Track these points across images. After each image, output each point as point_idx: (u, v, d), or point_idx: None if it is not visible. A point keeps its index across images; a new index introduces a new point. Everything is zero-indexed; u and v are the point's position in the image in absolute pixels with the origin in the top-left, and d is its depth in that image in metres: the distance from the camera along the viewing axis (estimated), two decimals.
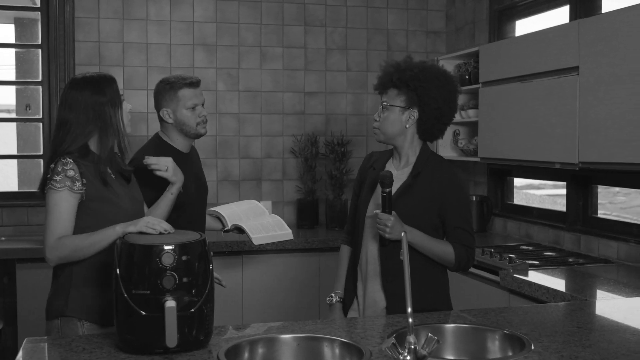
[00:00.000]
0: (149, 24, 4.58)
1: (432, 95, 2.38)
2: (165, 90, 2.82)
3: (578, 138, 3.15)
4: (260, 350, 1.90)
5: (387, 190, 2.28)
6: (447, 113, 2.44)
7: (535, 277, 3.05)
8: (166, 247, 1.79)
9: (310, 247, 4.22)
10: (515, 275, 3.07)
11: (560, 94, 3.28)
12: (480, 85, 4.00)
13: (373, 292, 2.43)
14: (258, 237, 2.90)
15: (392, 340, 1.59)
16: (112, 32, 4.51)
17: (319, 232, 4.56)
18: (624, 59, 2.90)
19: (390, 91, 2.45)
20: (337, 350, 1.89)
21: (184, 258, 1.80)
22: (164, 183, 2.51)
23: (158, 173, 2.47)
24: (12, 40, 4.60)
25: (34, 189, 3.54)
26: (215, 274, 2.85)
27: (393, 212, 2.28)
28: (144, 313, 1.77)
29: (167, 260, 1.78)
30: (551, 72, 3.36)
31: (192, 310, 1.80)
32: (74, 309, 2.19)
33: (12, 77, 4.59)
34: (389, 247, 2.32)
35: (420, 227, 2.35)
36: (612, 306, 2.47)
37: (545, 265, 3.29)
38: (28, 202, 4.34)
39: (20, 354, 1.83)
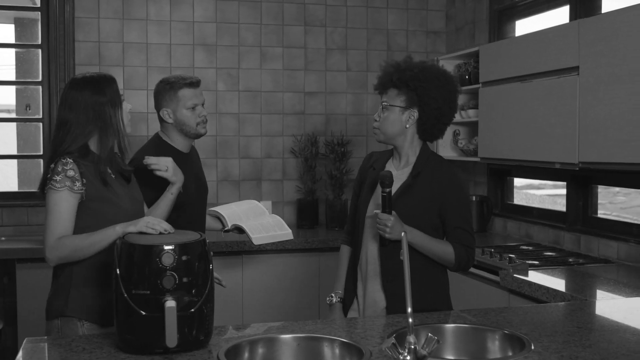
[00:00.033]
0: (149, 24, 4.58)
1: (432, 95, 2.38)
2: (166, 90, 2.82)
3: (578, 138, 3.16)
4: (260, 350, 1.90)
5: (387, 190, 2.28)
6: (447, 113, 2.44)
7: (535, 277, 3.05)
8: (166, 247, 1.79)
9: (310, 247, 4.22)
10: (515, 275, 3.07)
11: (560, 94, 3.28)
12: (480, 85, 4.00)
13: (373, 292, 2.43)
14: (258, 237, 2.90)
15: (392, 340, 1.59)
16: (112, 32, 4.51)
17: (319, 232, 4.56)
18: (623, 59, 2.90)
19: (390, 91, 2.45)
20: (337, 350, 1.90)
21: (184, 258, 1.80)
22: (164, 183, 2.50)
23: (158, 173, 2.47)
24: (12, 40, 4.60)
25: (34, 189, 3.55)
26: (215, 274, 2.85)
27: (393, 212, 2.28)
28: (144, 313, 1.77)
29: (167, 260, 1.78)
30: (551, 72, 3.36)
31: (192, 310, 1.80)
32: (74, 309, 2.19)
33: (12, 77, 4.59)
34: (389, 247, 2.32)
35: (420, 227, 2.35)
36: (612, 306, 2.47)
37: (545, 265, 3.29)
38: (28, 202, 4.34)
39: (20, 354, 1.83)
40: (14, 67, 4.58)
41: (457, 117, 4.10)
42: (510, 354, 1.94)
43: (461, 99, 4.22)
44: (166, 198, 2.49)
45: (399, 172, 2.46)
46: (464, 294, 3.41)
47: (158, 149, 2.81)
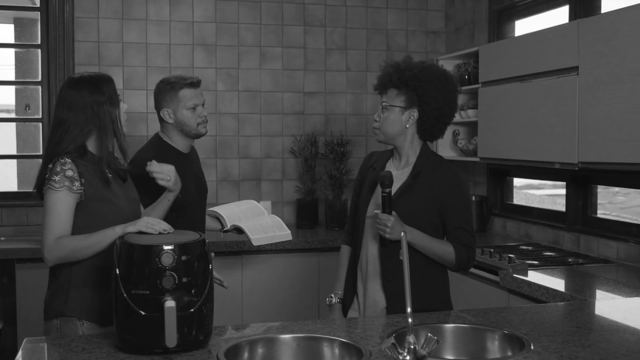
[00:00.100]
0: (149, 24, 4.58)
1: (432, 95, 2.38)
2: (166, 91, 2.82)
3: (577, 138, 3.16)
4: (259, 350, 1.90)
5: (387, 190, 2.28)
6: (447, 113, 2.44)
7: (535, 277, 3.05)
8: (166, 247, 1.79)
9: (310, 247, 4.22)
10: (514, 275, 3.07)
11: (559, 94, 3.28)
12: (479, 85, 4.00)
13: (373, 292, 2.43)
14: (257, 237, 2.91)
15: (392, 340, 1.59)
16: (112, 32, 4.51)
17: (319, 232, 4.56)
18: (623, 59, 2.90)
19: (390, 91, 2.45)
20: (336, 350, 1.90)
21: (183, 258, 1.80)
22: (162, 189, 2.48)
23: (161, 182, 2.41)
24: (12, 40, 4.60)
25: None
26: (216, 275, 2.85)
27: (393, 212, 2.28)
28: (143, 313, 1.77)
29: (167, 260, 1.78)
30: (551, 72, 3.36)
31: (192, 310, 1.80)
32: (73, 308, 2.19)
33: (12, 77, 4.59)
34: (389, 247, 2.32)
35: (421, 227, 2.35)
36: (611, 306, 2.47)
37: (545, 265, 3.29)
38: (27, 202, 4.34)
39: (19, 354, 1.83)
40: (13, 67, 4.58)
41: (457, 117, 4.10)
42: (509, 354, 1.94)
43: (461, 99, 4.22)
44: (163, 204, 2.46)
45: (399, 172, 2.46)
46: (464, 294, 3.41)
47: (158, 149, 2.81)
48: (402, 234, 1.81)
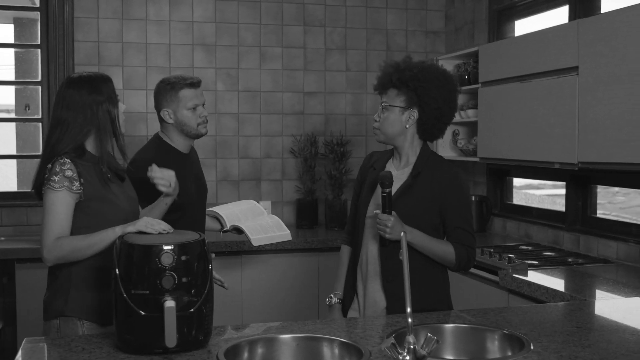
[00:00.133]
0: (149, 24, 4.58)
1: (432, 95, 2.38)
2: (166, 91, 2.81)
3: (577, 138, 3.16)
4: (259, 350, 1.90)
5: (387, 190, 2.28)
6: (447, 113, 2.44)
7: (535, 277, 3.05)
8: (165, 247, 1.79)
9: (310, 247, 4.22)
10: (514, 275, 3.07)
11: (559, 94, 3.28)
12: (479, 85, 4.00)
13: (373, 292, 2.43)
14: (257, 238, 2.91)
15: (392, 340, 1.59)
16: (112, 32, 4.51)
17: (318, 232, 4.56)
18: (623, 59, 2.90)
19: (390, 91, 2.45)
20: (336, 350, 1.90)
21: (183, 258, 1.80)
22: (159, 193, 2.45)
23: (162, 188, 2.38)
24: (12, 40, 4.60)
25: None
26: (217, 276, 2.85)
27: (393, 213, 2.28)
28: (143, 313, 1.77)
29: (167, 260, 1.78)
30: (550, 72, 3.36)
31: (192, 310, 1.80)
32: (73, 308, 2.19)
33: (12, 77, 4.59)
34: (389, 247, 2.32)
35: (421, 227, 2.35)
36: (611, 306, 2.47)
37: (545, 265, 3.29)
38: (27, 202, 4.34)
39: (19, 354, 1.83)
40: (13, 67, 4.58)
41: (457, 117, 4.11)
42: (509, 354, 1.94)
43: (460, 99, 4.22)
44: (160, 207, 2.44)
45: (399, 172, 2.46)
46: (463, 294, 3.41)
47: (158, 149, 2.80)
48: (402, 234, 1.81)
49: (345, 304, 2.54)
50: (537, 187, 5.43)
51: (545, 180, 4.49)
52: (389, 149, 2.56)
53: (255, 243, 2.91)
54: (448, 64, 4.44)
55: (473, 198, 4.39)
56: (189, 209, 2.76)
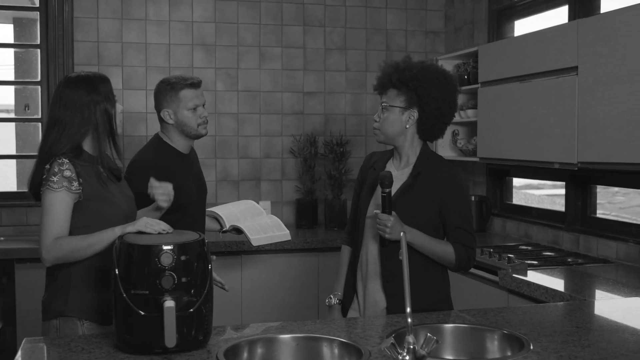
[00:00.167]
0: (148, 24, 4.58)
1: (431, 95, 2.38)
2: (166, 91, 2.81)
3: (577, 138, 3.16)
4: (259, 350, 1.90)
5: (387, 190, 2.28)
6: (447, 113, 2.44)
7: (534, 277, 3.05)
8: (165, 247, 1.79)
9: (310, 247, 4.22)
10: (514, 275, 3.07)
11: (559, 94, 3.28)
12: (479, 85, 4.00)
13: (373, 293, 2.43)
14: (256, 238, 2.91)
15: (391, 340, 1.59)
16: (111, 32, 4.51)
17: (318, 232, 4.56)
18: (622, 59, 2.90)
19: (389, 92, 2.45)
20: (336, 350, 1.89)
21: (182, 258, 1.80)
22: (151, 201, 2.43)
23: (163, 204, 2.35)
24: (11, 40, 4.60)
25: None
26: (217, 278, 2.84)
27: (393, 213, 2.28)
28: (142, 313, 1.77)
29: (166, 260, 1.78)
30: (550, 72, 3.36)
31: (191, 310, 1.80)
32: (73, 308, 2.19)
33: (11, 77, 4.59)
34: (389, 248, 2.32)
35: (421, 227, 2.35)
36: (610, 306, 2.47)
37: (544, 265, 3.29)
38: (27, 202, 4.34)
39: (19, 354, 1.83)
40: (12, 67, 4.58)
41: (456, 117, 4.10)
42: (509, 354, 1.94)
43: (460, 99, 4.21)
44: (154, 214, 2.41)
45: (399, 173, 2.46)
46: (463, 294, 3.41)
47: (159, 150, 2.80)
48: (402, 234, 1.81)
49: (345, 304, 2.54)
50: (537, 187, 5.43)
51: (544, 180, 4.49)
52: (389, 149, 2.56)
53: (254, 243, 2.91)
54: (448, 64, 4.44)
55: (473, 198, 4.39)
56: (189, 209, 2.76)
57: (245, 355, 1.87)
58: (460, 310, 2.37)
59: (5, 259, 3.89)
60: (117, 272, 1.80)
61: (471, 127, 4.43)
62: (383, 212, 2.29)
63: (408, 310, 1.61)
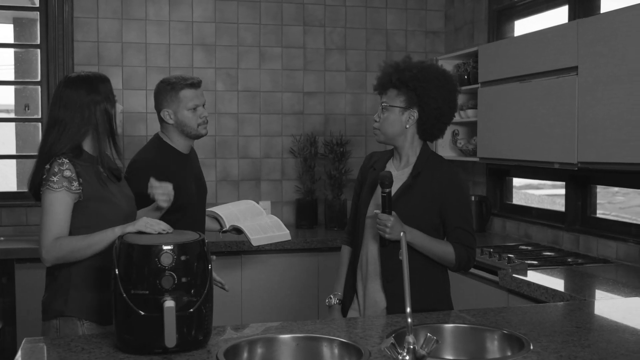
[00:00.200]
0: (148, 24, 4.58)
1: (431, 95, 2.38)
2: (167, 91, 2.80)
3: (577, 138, 3.16)
4: (259, 350, 1.90)
5: (387, 190, 2.28)
6: (447, 113, 2.44)
7: (534, 277, 3.05)
8: (165, 247, 1.79)
9: (309, 247, 4.22)
10: (514, 275, 3.07)
11: (559, 94, 3.28)
12: (479, 85, 4.00)
13: (373, 293, 2.43)
14: (256, 238, 2.91)
15: (391, 340, 1.59)
16: (111, 32, 4.51)
17: (318, 232, 4.56)
18: (622, 59, 2.90)
19: (389, 92, 2.45)
20: (336, 350, 1.89)
21: (182, 258, 1.80)
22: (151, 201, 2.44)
23: (163, 204, 2.35)
24: (11, 40, 4.60)
25: None
26: (217, 278, 2.84)
27: (393, 213, 2.28)
28: (142, 313, 1.77)
29: (166, 260, 1.78)
30: (550, 72, 3.36)
31: (191, 310, 1.80)
32: (73, 308, 2.18)
33: (11, 77, 4.59)
34: (389, 248, 2.32)
35: (421, 227, 2.35)
36: (610, 306, 2.47)
37: (544, 265, 3.29)
38: (27, 202, 4.34)
39: (19, 354, 1.83)
40: (12, 67, 4.58)
41: (456, 117, 4.10)
42: (509, 354, 1.94)
43: (460, 99, 4.21)
44: (154, 214, 2.41)
45: (399, 173, 2.46)
46: (463, 294, 3.41)
47: (159, 150, 2.80)
48: (402, 234, 1.81)
49: (346, 304, 2.54)
50: (537, 187, 5.43)
51: (544, 180, 4.49)
52: (389, 149, 2.56)
53: (254, 243, 2.91)
54: (448, 64, 4.44)
55: (473, 198, 4.39)
56: (189, 209, 2.76)
57: (245, 355, 1.87)
58: (460, 310, 2.37)
59: (5, 259, 3.89)
60: (117, 272, 1.80)
61: (471, 127, 4.43)
62: (383, 212, 2.29)
63: (408, 310, 1.61)
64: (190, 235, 1.92)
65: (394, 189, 2.35)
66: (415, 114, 2.42)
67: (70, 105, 2.21)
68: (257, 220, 3.01)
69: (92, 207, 2.18)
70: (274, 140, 4.82)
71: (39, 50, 4.43)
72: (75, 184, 2.15)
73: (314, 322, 2.13)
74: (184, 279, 1.79)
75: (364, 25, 4.97)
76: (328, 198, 4.70)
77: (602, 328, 2.15)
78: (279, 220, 3.07)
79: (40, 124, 4.46)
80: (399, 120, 2.42)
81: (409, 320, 1.60)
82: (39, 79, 4.44)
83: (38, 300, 2.32)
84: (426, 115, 2.41)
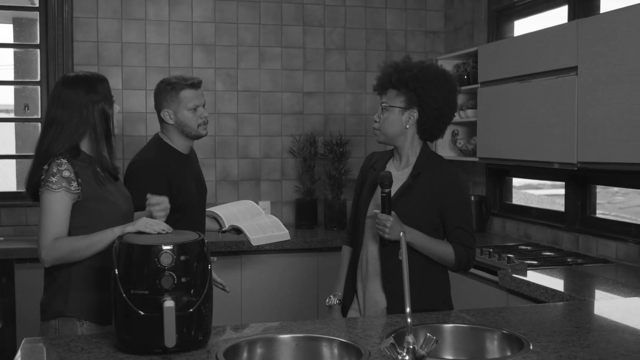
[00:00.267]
0: (148, 24, 4.58)
1: (431, 95, 2.38)
2: (167, 91, 2.80)
3: (577, 138, 3.16)
4: (259, 351, 1.90)
5: (387, 190, 2.28)
6: (447, 113, 2.44)
7: (534, 277, 3.05)
8: (165, 247, 1.79)
9: (309, 247, 4.22)
10: (513, 275, 3.07)
11: (558, 94, 3.28)
12: (478, 85, 4.00)
13: (373, 293, 2.43)
14: (256, 237, 2.91)
15: (391, 340, 1.59)
16: (111, 32, 4.51)
17: (318, 232, 4.56)
18: (622, 59, 2.90)
19: (389, 92, 2.45)
20: (335, 350, 1.89)
21: (182, 258, 1.80)
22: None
23: (156, 213, 2.30)
24: (11, 40, 4.60)
25: None
26: (218, 279, 2.84)
27: (392, 213, 2.28)
28: (142, 313, 1.77)
29: (166, 260, 1.78)
30: (550, 72, 3.36)
31: (191, 310, 1.80)
32: (73, 309, 2.18)
33: (11, 77, 4.59)
34: (389, 248, 2.32)
35: (421, 227, 2.35)
36: (610, 306, 2.47)
37: (544, 265, 3.29)
38: (27, 202, 4.32)
39: (18, 354, 1.83)
40: (12, 67, 4.58)
41: (456, 117, 4.08)
42: (508, 354, 1.94)
43: (460, 99, 4.21)
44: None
45: (399, 173, 2.46)
46: (463, 294, 3.41)
47: (159, 150, 2.80)
48: (402, 234, 1.81)
49: (346, 304, 2.54)
50: (537, 187, 5.42)
51: (544, 180, 4.49)
52: (389, 149, 2.56)
53: (254, 243, 2.91)
54: (447, 64, 4.44)
55: (472, 198, 4.38)
56: (189, 209, 2.76)
57: (245, 355, 1.87)
58: (460, 310, 2.37)
59: (5, 259, 3.89)
60: (116, 272, 1.80)
61: (471, 127, 4.43)
62: (383, 212, 2.29)
63: (408, 310, 1.61)
64: (189, 235, 1.92)
65: (393, 189, 2.35)
66: (415, 114, 2.42)
67: (68, 105, 2.21)
68: (257, 220, 3.01)
69: (90, 207, 2.18)
70: (273, 140, 4.82)
71: (38, 50, 4.43)
72: (74, 184, 2.15)
73: (313, 322, 2.13)
74: (183, 279, 1.79)
75: (364, 25, 4.97)
76: (328, 198, 4.70)
77: (602, 328, 2.15)
78: (278, 220, 3.07)
79: (39, 124, 4.46)
80: (399, 121, 2.42)
81: (409, 320, 1.60)
82: (38, 79, 4.44)
83: (38, 301, 2.31)
84: (426, 115, 2.41)
